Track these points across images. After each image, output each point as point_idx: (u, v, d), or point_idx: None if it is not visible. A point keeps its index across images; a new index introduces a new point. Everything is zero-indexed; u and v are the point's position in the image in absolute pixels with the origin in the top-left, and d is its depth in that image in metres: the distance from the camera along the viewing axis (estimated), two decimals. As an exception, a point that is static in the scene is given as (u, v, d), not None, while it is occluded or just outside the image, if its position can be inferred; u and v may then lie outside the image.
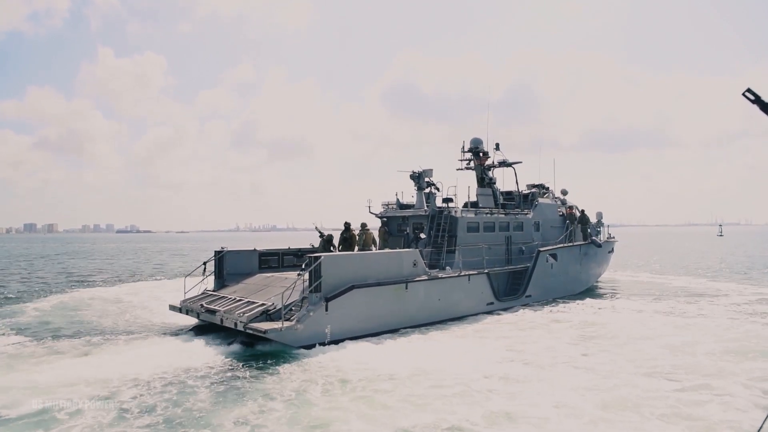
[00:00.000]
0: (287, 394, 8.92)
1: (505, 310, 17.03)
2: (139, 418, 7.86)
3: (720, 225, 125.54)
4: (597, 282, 24.74)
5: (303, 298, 12.27)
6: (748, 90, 3.42)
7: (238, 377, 9.91)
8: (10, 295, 22.20)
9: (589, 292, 22.21)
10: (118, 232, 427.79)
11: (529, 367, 10.56)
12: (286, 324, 11.52)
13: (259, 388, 9.27)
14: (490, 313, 16.45)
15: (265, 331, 11.26)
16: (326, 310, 12.14)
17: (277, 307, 12.12)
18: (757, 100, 3.41)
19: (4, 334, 13.79)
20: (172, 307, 14.91)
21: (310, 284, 12.19)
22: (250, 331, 11.62)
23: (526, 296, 18.28)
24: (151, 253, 64.83)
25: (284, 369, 10.41)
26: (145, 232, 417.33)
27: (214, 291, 14.98)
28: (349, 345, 12.03)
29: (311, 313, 11.91)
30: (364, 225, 15.72)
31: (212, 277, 15.47)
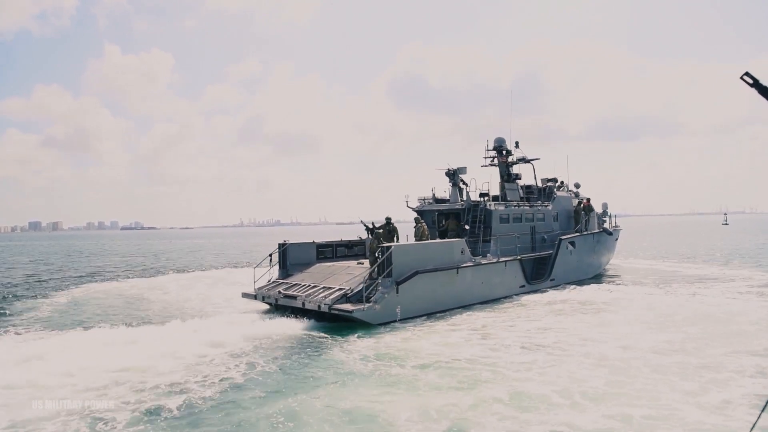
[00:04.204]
0: (360, 368, 9.98)
1: (531, 292, 19.03)
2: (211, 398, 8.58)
3: (725, 213, 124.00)
4: (605, 268, 26.91)
5: (377, 283, 14.13)
6: (746, 74, 3.37)
7: (312, 356, 11.09)
8: (39, 290, 23.50)
9: (601, 276, 24.39)
10: (123, 229, 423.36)
11: (642, 357, 10.24)
12: (367, 305, 13.42)
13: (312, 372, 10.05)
14: (521, 294, 18.50)
15: (351, 311, 13.14)
16: (397, 292, 14.04)
17: (354, 291, 14.01)
18: (755, 84, 3.36)
19: (36, 327, 14.58)
20: (245, 295, 16.70)
21: (383, 270, 14.07)
22: (336, 312, 13.48)
23: (551, 280, 20.36)
24: (177, 251, 64.54)
25: (359, 344, 11.85)
26: (149, 228, 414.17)
27: (282, 280, 16.77)
28: (424, 324, 13.96)
29: (386, 295, 13.81)
30: (417, 219, 17.59)
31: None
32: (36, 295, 21.31)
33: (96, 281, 27.17)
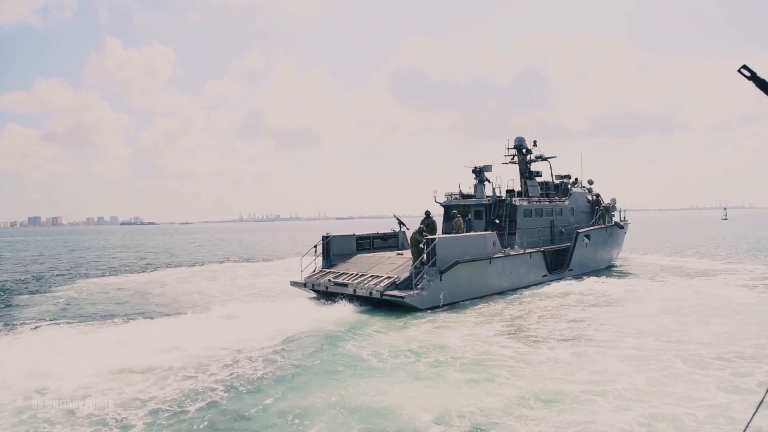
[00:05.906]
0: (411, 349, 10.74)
1: (551, 281, 20.52)
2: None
3: (725, 209, 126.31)
4: (615, 260, 28.48)
5: (423, 271, 15.61)
6: (744, 66, 3.28)
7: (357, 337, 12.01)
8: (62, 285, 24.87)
9: (612, 268, 25.97)
10: (122, 224, 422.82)
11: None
12: (415, 291, 14.93)
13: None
14: (544, 283, 20.02)
15: (402, 297, 14.64)
16: (440, 280, 15.54)
17: (402, 279, 15.52)
18: (752, 77, 3.27)
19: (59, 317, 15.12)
20: (294, 283, 18.16)
21: (428, 260, 15.55)
22: (387, 298, 14.96)
23: (569, 270, 21.93)
24: (181, 246, 66.15)
25: (383, 338, 12.03)
26: (149, 223, 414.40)
27: (327, 269, 18.22)
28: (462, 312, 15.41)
29: (431, 283, 15.31)
30: (454, 214, 19.06)
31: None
32: (41, 290, 21.57)
33: (99, 275, 27.57)
